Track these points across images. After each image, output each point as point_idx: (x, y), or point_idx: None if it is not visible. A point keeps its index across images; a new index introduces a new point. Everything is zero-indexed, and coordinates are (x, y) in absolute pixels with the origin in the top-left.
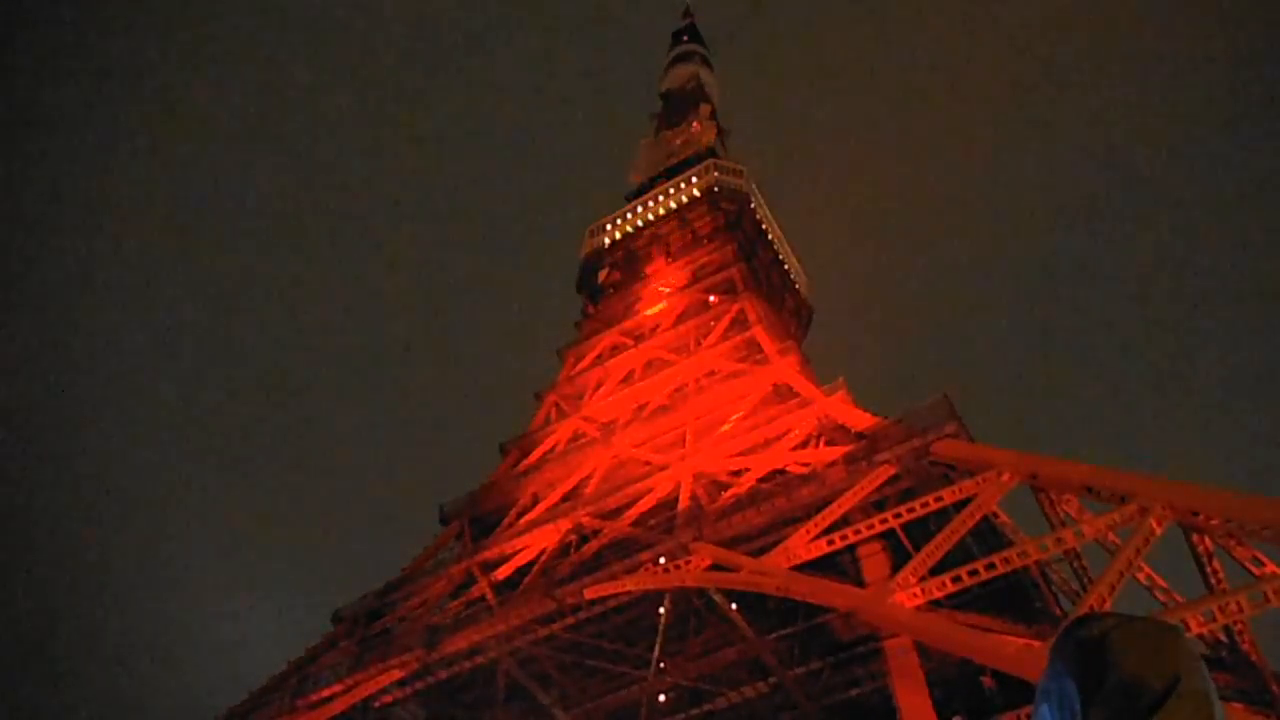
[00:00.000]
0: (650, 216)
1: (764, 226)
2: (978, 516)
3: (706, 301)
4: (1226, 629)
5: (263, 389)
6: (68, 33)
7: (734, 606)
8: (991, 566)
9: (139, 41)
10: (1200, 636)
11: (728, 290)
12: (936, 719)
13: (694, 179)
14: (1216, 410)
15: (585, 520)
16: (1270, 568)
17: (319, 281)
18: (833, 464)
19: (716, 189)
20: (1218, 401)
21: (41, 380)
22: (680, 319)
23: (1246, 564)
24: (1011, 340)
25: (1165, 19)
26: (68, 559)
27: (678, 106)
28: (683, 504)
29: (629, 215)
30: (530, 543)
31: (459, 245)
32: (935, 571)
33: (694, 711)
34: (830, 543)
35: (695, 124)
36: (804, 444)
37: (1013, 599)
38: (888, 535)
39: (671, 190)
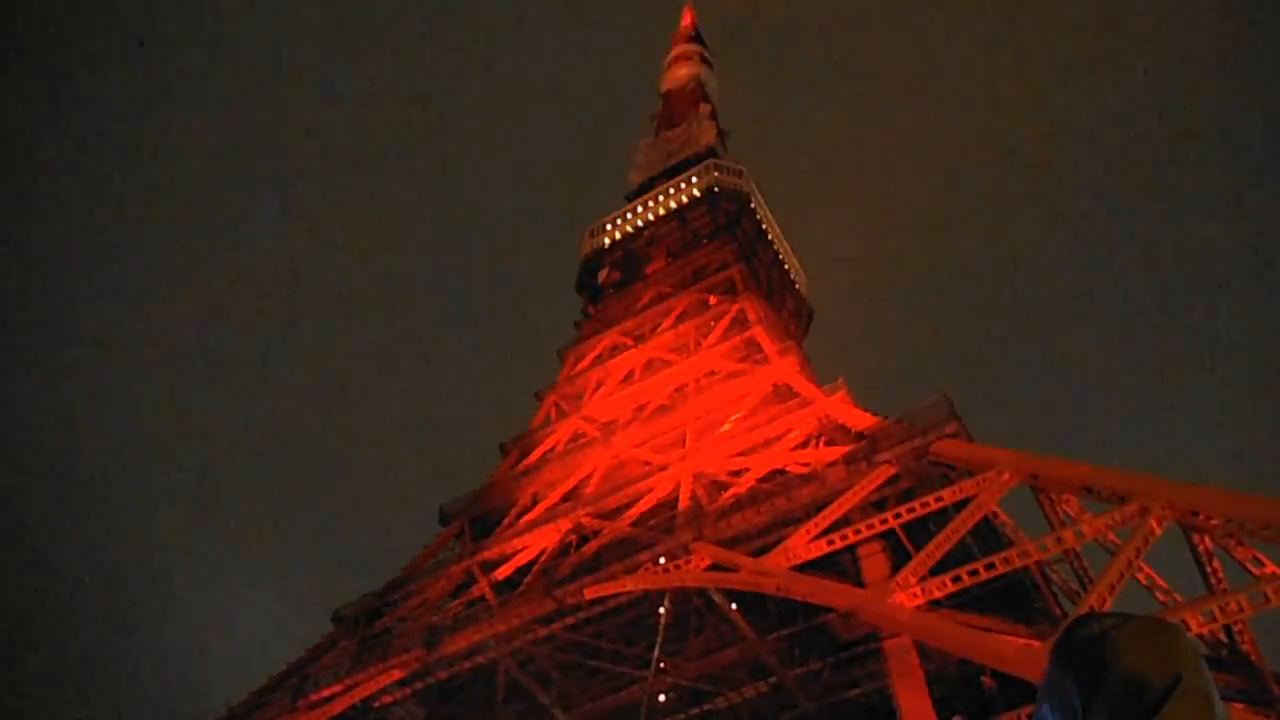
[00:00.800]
0: (650, 217)
1: (764, 226)
2: (978, 516)
3: (706, 301)
4: (1226, 629)
5: (262, 389)
6: (76, 30)
7: (734, 606)
8: (991, 566)
9: (156, 38)
10: (1200, 636)
11: (728, 290)
12: (936, 719)
13: (694, 179)
14: (1216, 410)
15: (585, 520)
16: (1270, 568)
17: (319, 281)
18: (833, 464)
19: (716, 189)
20: (1218, 401)
21: (41, 380)
22: (680, 319)
23: (1246, 564)
24: (1011, 340)
25: (1165, 19)
26: (67, 559)
27: (678, 107)
28: (683, 504)
29: (629, 215)
30: (530, 543)
31: (459, 245)
32: (935, 571)
33: (694, 711)
34: (830, 543)
35: (695, 124)
36: (804, 444)
37: (1013, 599)
38: (888, 535)
39: (671, 190)
